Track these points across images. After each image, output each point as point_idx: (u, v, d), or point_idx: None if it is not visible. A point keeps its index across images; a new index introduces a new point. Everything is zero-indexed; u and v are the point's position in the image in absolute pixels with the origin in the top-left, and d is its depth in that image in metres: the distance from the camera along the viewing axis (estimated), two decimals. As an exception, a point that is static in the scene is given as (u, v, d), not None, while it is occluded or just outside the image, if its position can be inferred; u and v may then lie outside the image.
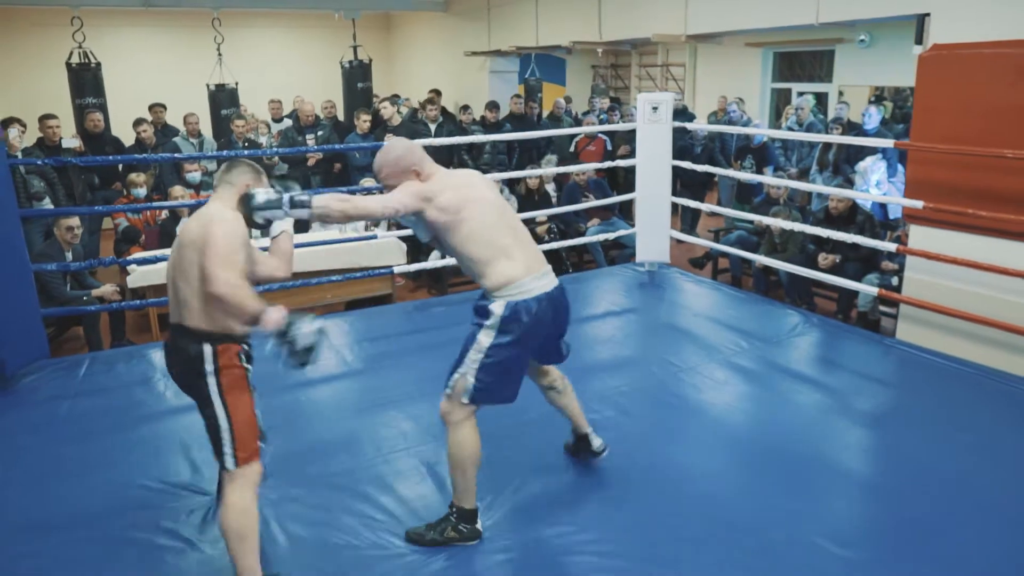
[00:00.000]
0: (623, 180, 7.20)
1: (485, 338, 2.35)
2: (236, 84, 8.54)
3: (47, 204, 5.49)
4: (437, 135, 7.06)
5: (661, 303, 5.05)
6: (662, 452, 3.05)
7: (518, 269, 2.37)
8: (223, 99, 8.43)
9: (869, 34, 8.69)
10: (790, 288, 5.32)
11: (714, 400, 3.53)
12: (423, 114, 7.60)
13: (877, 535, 2.52)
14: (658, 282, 5.44)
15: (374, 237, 5.15)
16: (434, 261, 5.30)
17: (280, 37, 11.87)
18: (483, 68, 10.24)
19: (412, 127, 7.12)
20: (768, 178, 6.12)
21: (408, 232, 4.92)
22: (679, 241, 5.93)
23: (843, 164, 6.77)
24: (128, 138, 7.24)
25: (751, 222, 5.66)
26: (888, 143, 4.52)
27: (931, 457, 3.00)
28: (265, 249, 2.52)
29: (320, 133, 7.39)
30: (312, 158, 7.09)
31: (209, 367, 2.15)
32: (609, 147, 7.52)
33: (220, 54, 8.20)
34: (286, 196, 2.31)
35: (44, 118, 6.05)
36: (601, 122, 8.33)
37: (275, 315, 2.10)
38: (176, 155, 6.23)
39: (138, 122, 7.09)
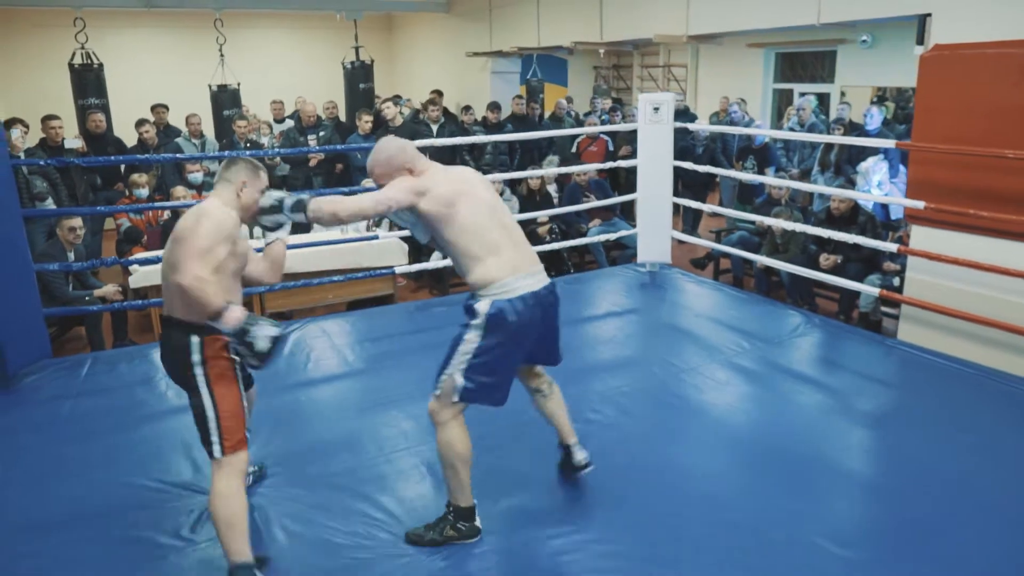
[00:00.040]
0: (625, 181, 7.20)
1: (472, 338, 2.34)
2: (238, 85, 8.55)
3: (50, 204, 5.50)
4: (439, 136, 7.06)
5: (662, 303, 5.05)
6: (663, 452, 3.05)
7: (504, 268, 2.35)
8: (225, 100, 8.44)
9: (871, 35, 8.68)
10: (791, 289, 5.32)
11: (715, 400, 3.53)
12: (425, 115, 7.60)
13: (877, 535, 2.52)
14: (659, 282, 5.44)
15: (375, 238, 5.16)
16: (435, 262, 5.31)
17: (282, 38, 11.89)
18: (485, 69, 10.25)
19: (414, 128, 7.12)
20: (770, 179, 6.12)
21: (409, 232, 4.92)
22: (680, 242, 5.93)
23: (845, 165, 6.76)
24: (130, 139, 7.25)
25: (753, 223, 5.66)
26: (889, 143, 4.52)
27: (932, 458, 3.00)
28: (260, 250, 2.54)
29: (322, 134, 7.40)
30: (314, 159, 7.10)
31: (196, 358, 2.20)
32: (611, 148, 7.53)
33: (222, 55, 8.21)
34: (288, 201, 2.32)
35: (47, 119, 6.07)
36: (603, 123, 8.34)
37: (234, 315, 2.14)
38: (178, 155, 6.24)
39: (140, 123, 7.10)
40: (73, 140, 6.55)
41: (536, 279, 2.43)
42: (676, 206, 5.69)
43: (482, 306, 2.33)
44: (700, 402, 3.52)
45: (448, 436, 2.39)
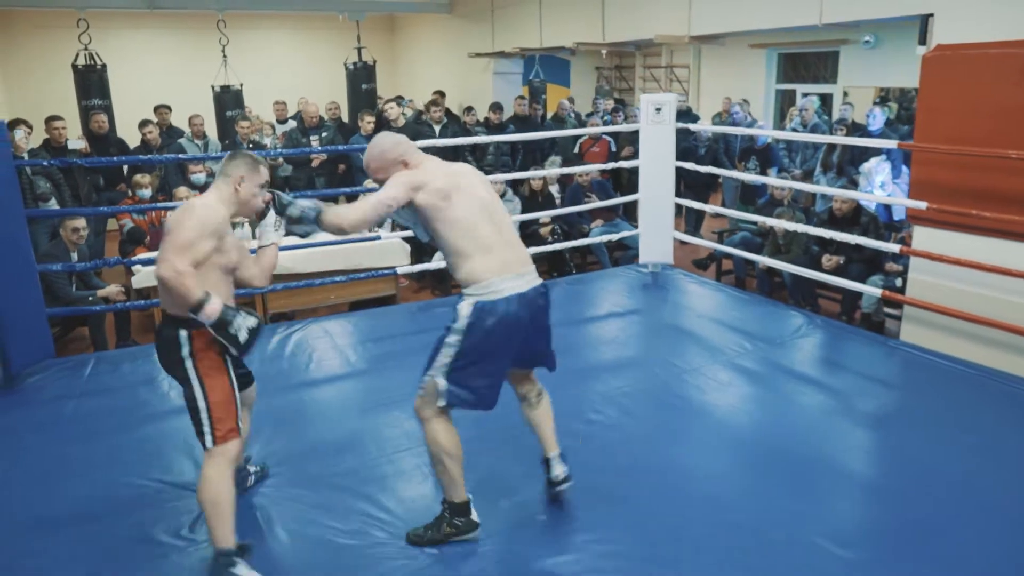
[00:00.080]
0: (627, 181, 7.20)
1: (453, 341, 2.31)
2: (241, 86, 8.57)
3: (53, 205, 5.51)
4: (441, 137, 7.06)
5: (664, 304, 5.05)
6: (665, 453, 3.05)
7: (492, 267, 2.31)
8: (228, 100, 8.46)
9: (874, 35, 8.67)
10: (794, 289, 5.31)
11: (717, 401, 3.53)
12: (427, 116, 7.61)
13: (879, 536, 2.52)
14: (661, 283, 5.44)
15: (378, 238, 5.16)
16: (437, 262, 5.30)
17: (285, 39, 11.91)
18: (487, 70, 10.26)
19: (416, 128, 7.12)
20: (772, 179, 6.11)
21: (411, 233, 4.93)
22: (683, 242, 5.93)
23: (847, 165, 6.75)
24: (134, 139, 7.27)
25: (755, 223, 5.65)
26: (892, 144, 4.52)
27: (934, 458, 3.00)
28: (254, 251, 2.56)
29: (324, 134, 7.40)
30: (316, 159, 7.10)
31: (185, 351, 2.25)
32: (613, 148, 7.53)
33: (225, 56, 8.23)
34: (310, 213, 2.33)
35: (50, 119, 6.09)
36: (605, 123, 8.34)
37: (212, 307, 2.18)
38: (181, 156, 6.25)
39: (143, 123, 7.12)
40: (76, 141, 6.56)
41: (524, 280, 2.38)
42: (678, 207, 5.69)
43: (464, 307, 2.30)
44: (702, 403, 3.52)
45: (433, 432, 2.37)
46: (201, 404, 2.26)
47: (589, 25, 7.93)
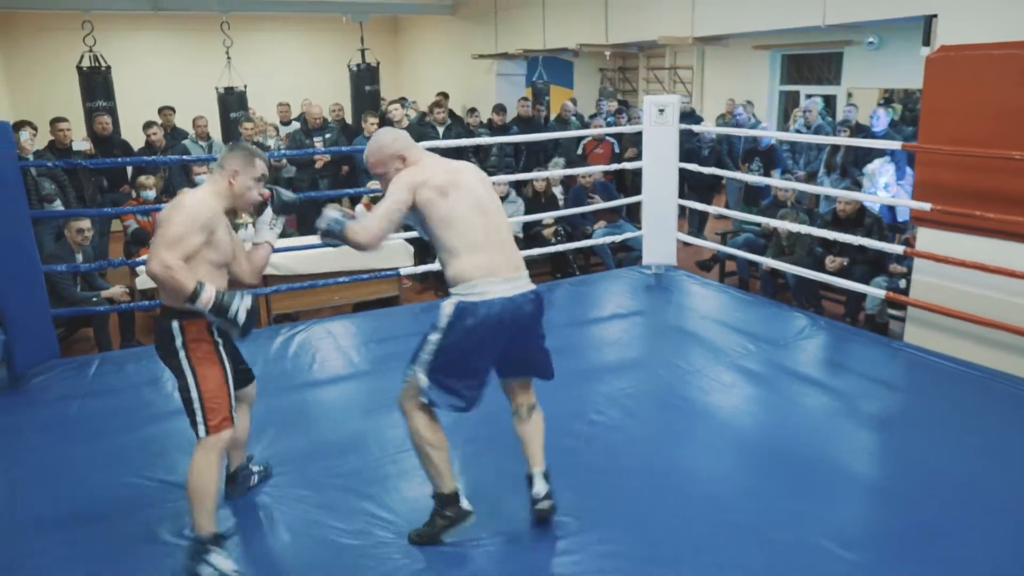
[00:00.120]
0: (630, 183, 7.20)
1: (434, 338, 2.31)
2: (245, 87, 8.59)
3: (58, 206, 5.53)
4: (445, 138, 7.07)
5: (668, 305, 5.05)
6: (668, 454, 3.05)
7: (479, 268, 2.29)
8: (232, 102, 8.48)
9: (878, 36, 8.66)
10: (797, 291, 5.31)
11: (721, 403, 3.53)
12: (431, 117, 7.62)
13: (882, 537, 2.51)
14: (665, 284, 5.43)
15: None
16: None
17: (288, 40, 11.93)
18: (490, 71, 10.27)
19: (420, 130, 7.13)
20: (776, 181, 6.11)
21: (415, 234, 4.93)
22: (686, 244, 5.93)
23: (851, 167, 6.74)
24: (138, 141, 7.29)
25: (758, 225, 5.65)
26: (895, 145, 4.51)
27: (939, 460, 2.99)
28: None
29: (328, 136, 7.42)
30: (320, 160, 7.12)
31: (178, 342, 2.31)
32: (616, 150, 7.52)
33: (229, 57, 8.25)
34: (336, 228, 2.33)
35: (55, 121, 6.11)
36: (608, 125, 8.33)
37: (207, 295, 2.23)
38: (185, 157, 6.27)
39: (148, 125, 7.14)
40: (81, 143, 6.59)
41: (512, 285, 2.33)
42: (682, 208, 5.69)
43: (446, 306, 2.30)
44: (705, 404, 3.52)
45: (415, 424, 2.38)
46: (194, 394, 2.31)
47: (592, 26, 7.93)
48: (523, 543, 2.50)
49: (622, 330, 4.64)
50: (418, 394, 2.34)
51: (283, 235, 5.62)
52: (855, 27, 7.20)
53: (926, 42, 4.21)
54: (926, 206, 4.00)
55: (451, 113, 8.13)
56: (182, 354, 2.30)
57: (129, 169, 6.82)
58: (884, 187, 6.17)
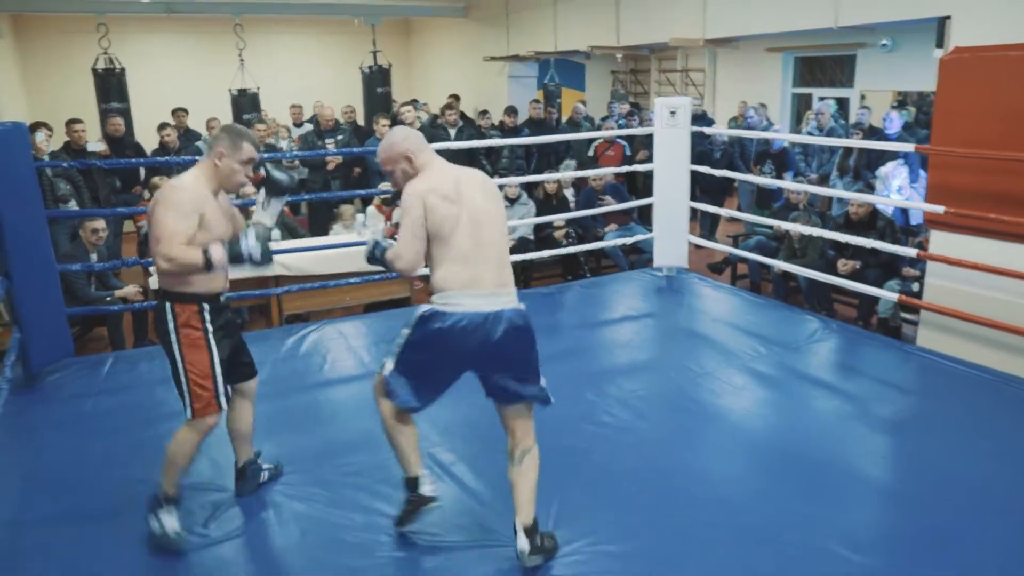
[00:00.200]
0: (642, 185, 7.19)
1: (404, 332, 2.34)
2: (257, 89, 8.65)
3: (73, 206, 5.58)
4: (456, 140, 7.09)
5: (679, 308, 5.04)
6: (679, 456, 3.05)
7: (458, 280, 2.26)
8: (245, 104, 8.55)
9: (891, 39, 8.62)
10: (809, 294, 5.28)
11: (732, 405, 3.52)
12: (442, 119, 7.65)
13: (894, 541, 2.50)
14: (676, 287, 5.42)
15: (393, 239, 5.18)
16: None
17: (301, 43, 12.00)
18: (502, 73, 10.29)
19: (432, 132, 7.16)
20: (788, 183, 6.09)
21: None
22: (697, 246, 5.91)
23: (864, 169, 6.71)
24: (152, 142, 7.36)
25: (770, 227, 5.63)
26: (909, 147, 4.48)
27: (951, 464, 2.97)
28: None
29: (340, 137, 7.45)
30: (332, 162, 7.15)
31: (170, 325, 2.42)
32: (628, 152, 7.52)
33: (242, 60, 8.32)
34: (376, 252, 2.43)
35: (70, 122, 6.17)
36: (620, 127, 8.33)
37: (218, 252, 2.34)
38: (198, 158, 6.30)
39: (162, 126, 7.20)
40: (96, 144, 6.65)
41: (489, 301, 2.26)
42: (693, 210, 5.68)
43: (420, 308, 2.33)
44: (716, 407, 3.51)
45: (382, 409, 2.43)
46: (182, 378, 2.42)
47: (604, 29, 7.93)
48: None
49: (633, 332, 4.64)
50: (385, 382, 2.39)
51: (294, 236, 5.72)
52: (868, 29, 7.17)
53: (939, 44, 4.19)
54: (940, 209, 3.97)
55: (463, 115, 8.15)
56: (173, 337, 2.41)
57: (142, 170, 6.88)
58: (897, 190, 6.14)
